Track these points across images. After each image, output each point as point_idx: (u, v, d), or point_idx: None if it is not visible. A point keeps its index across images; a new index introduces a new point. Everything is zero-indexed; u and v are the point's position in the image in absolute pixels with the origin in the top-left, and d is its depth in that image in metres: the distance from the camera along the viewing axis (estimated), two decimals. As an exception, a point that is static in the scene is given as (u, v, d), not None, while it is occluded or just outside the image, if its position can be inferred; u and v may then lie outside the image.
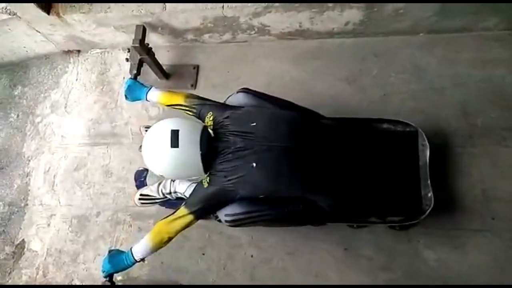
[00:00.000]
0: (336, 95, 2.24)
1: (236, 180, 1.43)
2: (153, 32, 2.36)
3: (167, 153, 1.41)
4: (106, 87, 2.58)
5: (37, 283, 2.26)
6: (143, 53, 2.14)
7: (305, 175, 1.52)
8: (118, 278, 2.09)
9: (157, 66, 2.32)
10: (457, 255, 1.92)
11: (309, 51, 2.37)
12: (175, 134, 1.40)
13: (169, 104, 1.69)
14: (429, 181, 1.78)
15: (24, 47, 2.61)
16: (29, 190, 2.48)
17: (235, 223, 1.56)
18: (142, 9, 2.18)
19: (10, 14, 2.30)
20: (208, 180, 1.50)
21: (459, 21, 2.15)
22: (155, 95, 1.71)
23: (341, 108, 2.19)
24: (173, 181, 1.97)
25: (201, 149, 1.42)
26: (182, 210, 1.51)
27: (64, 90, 2.63)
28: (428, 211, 1.74)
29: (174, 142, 1.39)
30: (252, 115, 1.53)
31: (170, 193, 1.97)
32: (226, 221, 1.57)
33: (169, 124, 1.45)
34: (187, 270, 2.11)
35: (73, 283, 2.21)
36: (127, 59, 2.19)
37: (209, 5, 2.11)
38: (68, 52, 2.69)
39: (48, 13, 2.25)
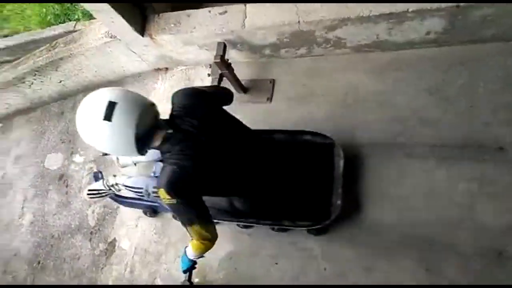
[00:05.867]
0: (417, 107, 2.15)
1: None
2: (233, 48, 2.50)
3: (97, 125, 1.29)
4: (189, 101, 2.77)
5: (125, 280, 2.48)
6: (224, 68, 2.28)
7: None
8: (195, 280, 2.21)
9: (236, 80, 2.44)
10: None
11: (387, 62, 2.31)
12: (111, 107, 1.28)
13: None
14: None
15: (122, 66, 2.94)
16: (121, 194, 2.74)
17: None
18: (223, 28, 2.33)
19: (111, 37, 2.62)
20: None
21: (561, 24, 1.95)
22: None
23: (423, 119, 2.10)
24: (114, 176, 2.22)
25: (136, 129, 1.31)
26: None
27: (153, 104, 2.89)
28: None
29: (108, 115, 1.27)
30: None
31: (112, 185, 2.20)
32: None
33: (110, 94, 1.32)
34: (260, 278, 2.15)
35: (156, 282, 2.38)
36: (208, 74, 2.35)
37: (286, 21, 2.19)
38: (158, 69, 2.96)
39: (143, 35, 2.52)
